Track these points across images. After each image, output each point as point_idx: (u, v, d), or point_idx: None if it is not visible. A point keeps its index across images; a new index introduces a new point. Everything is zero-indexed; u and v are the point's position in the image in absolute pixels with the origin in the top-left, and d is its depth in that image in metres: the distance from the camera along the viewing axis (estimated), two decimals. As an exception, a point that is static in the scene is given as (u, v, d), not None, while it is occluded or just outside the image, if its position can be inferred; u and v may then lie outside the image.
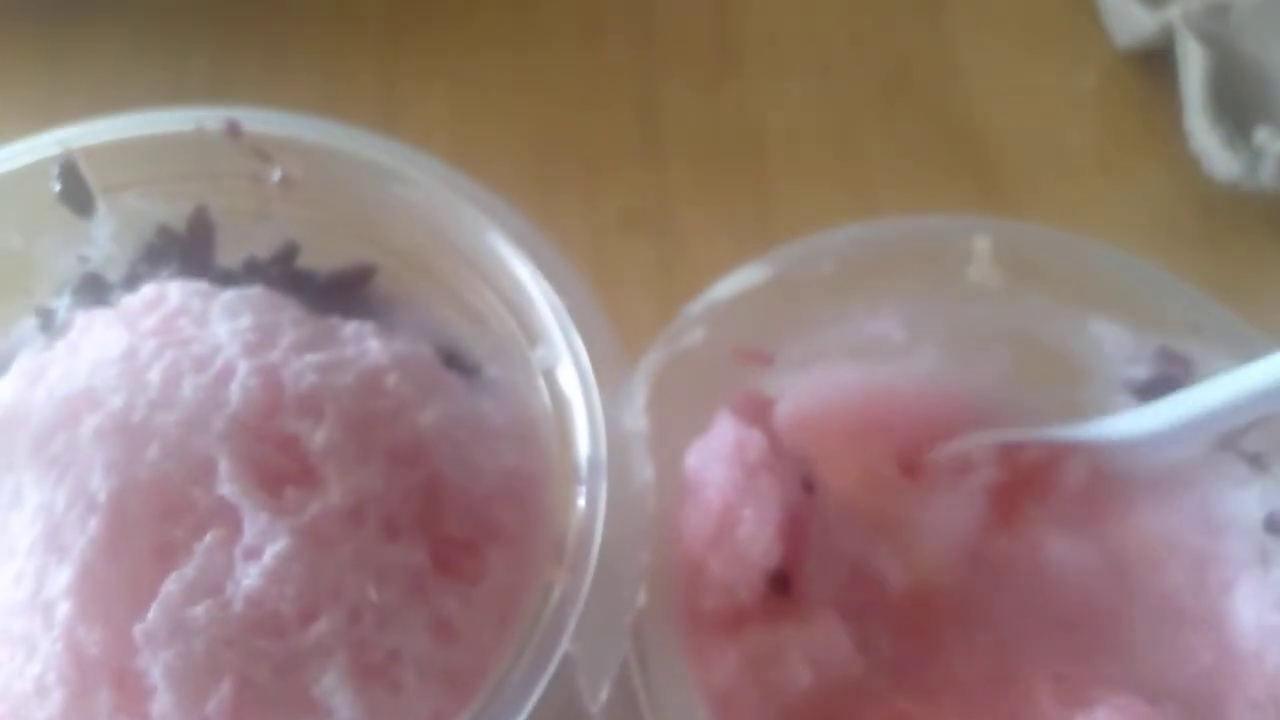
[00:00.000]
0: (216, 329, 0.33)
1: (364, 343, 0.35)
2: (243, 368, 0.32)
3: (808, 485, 0.40)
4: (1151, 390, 0.41)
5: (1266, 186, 0.59)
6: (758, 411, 0.39)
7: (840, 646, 0.33)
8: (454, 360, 0.40)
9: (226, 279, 0.39)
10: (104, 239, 0.40)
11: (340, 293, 0.41)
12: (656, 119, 0.65)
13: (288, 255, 0.41)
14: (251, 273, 0.41)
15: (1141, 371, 0.41)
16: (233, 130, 0.39)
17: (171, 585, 0.29)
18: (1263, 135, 0.59)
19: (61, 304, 0.40)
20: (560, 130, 0.63)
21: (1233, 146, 0.60)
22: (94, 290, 0.40)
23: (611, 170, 0.62)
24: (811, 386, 0.43)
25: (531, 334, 0.37)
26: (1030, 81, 0.68)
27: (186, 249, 0.40)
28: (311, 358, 0.33)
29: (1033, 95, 0.67)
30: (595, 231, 0.60)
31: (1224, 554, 0.39)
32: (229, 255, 0.41)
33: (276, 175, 0.40)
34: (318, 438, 0.31)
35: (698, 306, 0.40)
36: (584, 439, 0.34)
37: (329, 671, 0.30)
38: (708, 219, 0.61)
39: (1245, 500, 0.40)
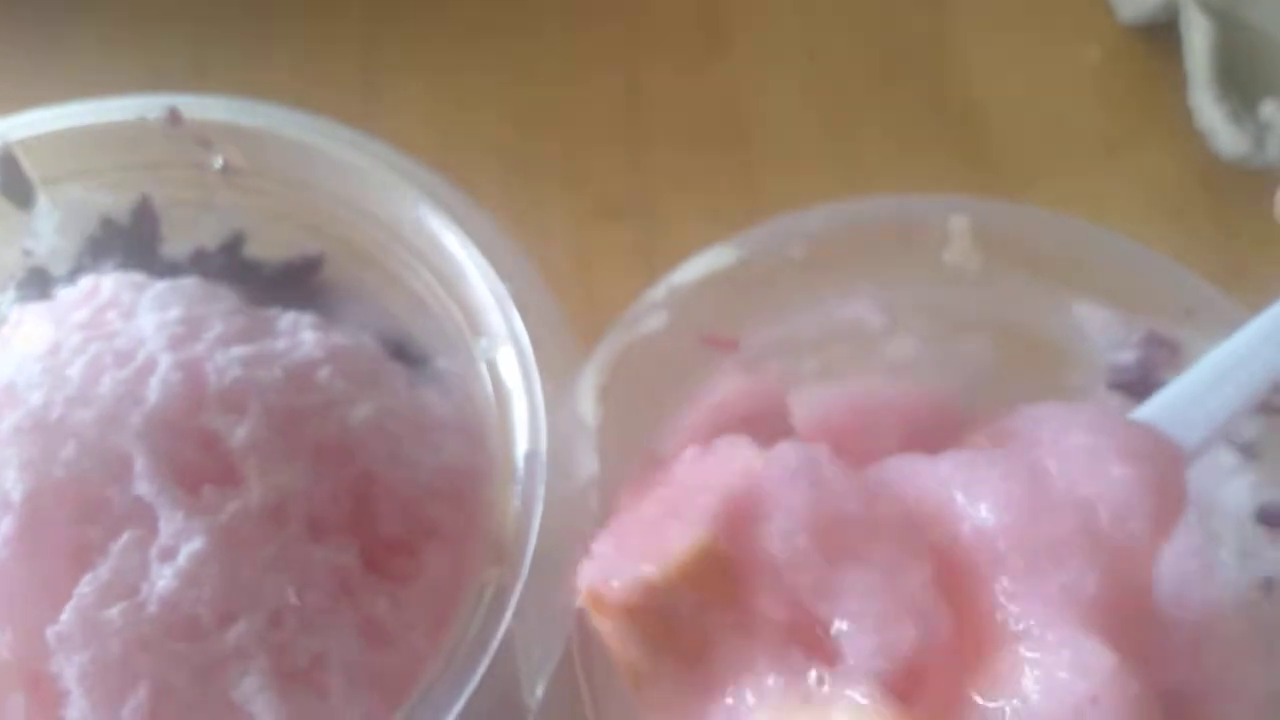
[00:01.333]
0: (143, 322, 0.32)
1: (299, 335, 0.34)
2: (164, 362, 0.30)
3: None
4: (1138, 377, 0.39)
5: (1274, 163, 0.56)
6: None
7: None
8: (401, 351, 0.39)
9: (173, 270, 0.39)
10: (48, 232, 0.39)
11: (288, 283, 0.40)
12: (640, 104, 0.63)
13: (234, 245, 0.40)
14: (199, 263, 0.40)
15: (1128, 357, 0.39)
16: (173, 118, 0.38)
17: (85, 587, 0.28)
18: (1269, 109, 0.56)
19: (6, 299, 0.39)
20: (542, 116, 0.62)
21: (1239, 121, 0.57)
22: (39, 284, 0.39)
23: (594, 156, 0.61)
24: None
25: (475, 323, 0.35)
26: (1030, 59, 0.65)
27: (131, 240, 0.39)
28: (238, 351, 0.31)
29: (1033, 73, 0.65)
30: (576, 218, 0.59)
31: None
32: (176, 246, 0.40)
33: (219, 163, 0.38)
34: (239, 434, 0.30)
35: (659, 290, 0.38)
36: (523, 432, 0.32)
37: (249, 676, 0.29)
38: (691, 205, 0.60)
39: (1236, 490, 0.38)
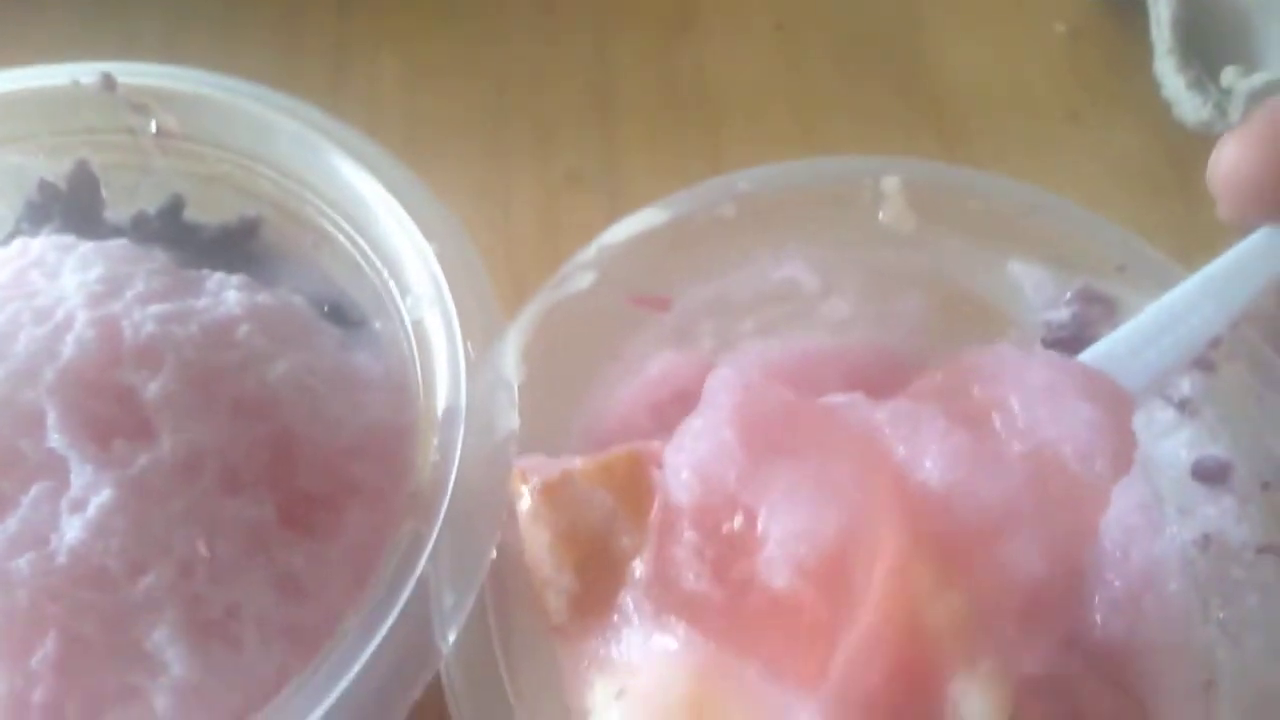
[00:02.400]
0: (65, 281, 0.32)
1: (222, 294, 0.34)
2: (81, 319, 0.31)
3: None
4: (1073, 333, 0.39)
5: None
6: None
7: None
8: (338, 314, 0.39)
9: (116, 235, 0.39)
10: (-14, 198, 0.39)
11: (227, 246, 0.40)
12: (609, 74, 0.63)
13: (174, 209, 0.40)
14: (139, 228, 0.40)
15: (1063, 314, 0.39)
16: (107, 83, 0.38)
17: (-6, 538, 0.28)
18: (1230, 74, 0.56)
19: (-55, 264, 0.39)
20: (512, 87, 0.62)
21: (1201, 89, 0.57)
22: (-23, 250, 0.39)
23: (562, 126, 0.61)
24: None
25: (402, 282, 0.35)
26: (998, 31, 0.65)
27: (69, 205, 0.39)
28: (156, 308, 0.31)
29: (1001, 45, 0.65)
30: (545, 187, 0.59)
31: None
32: (118, 211, 0.40)
33: (153, 127, 0.38)
34: (153, 389, 0.30)
35: (589, 251, 0.38)
36: (444, 388, 0.32)
37: (160, 626, 0.29)
38: (658, 178, 0.59)
39: (1173, 447, 0.38)
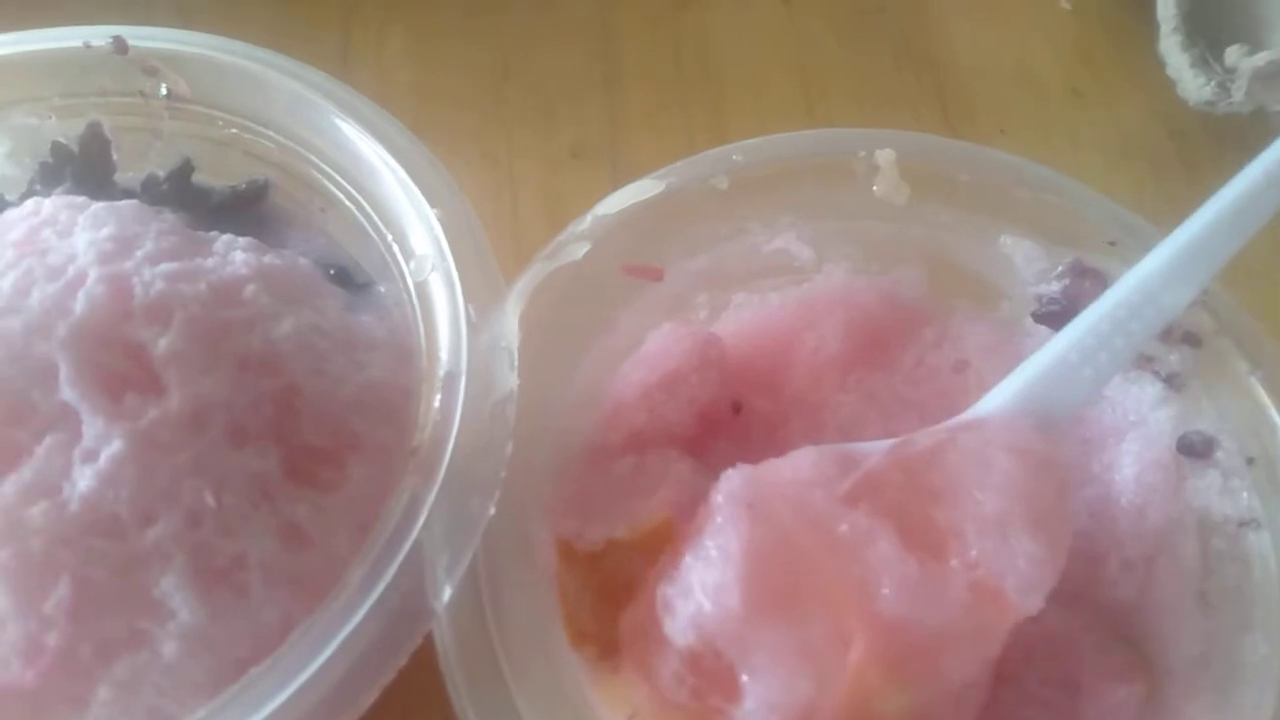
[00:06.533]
0: (77, 239, 0.33)
1: (230, 255, 0.35)
2: (92, 275, 0.32)
3: (735, 406, 0.39)
4: (1064, 307, 0.39)
5: (1239, 109, 0.56)
6: (707, 349, 0.39)
7: None
8: (344, 277, 0.40)
9: (125, 197, 0.39)
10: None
11: (236, 209, 0.41)
12: (614, 50, 0.64)
13: (184, 172, 0.41)
14: (149, 190, 0.41)
15: (1054, 287, 0.40)
16: (119, 47, 0.39)
17: (8, 487, 0.29)
18: (1234, 53, 0.56)
19: (-42, 224, 0.40)
20: (517, 63, 0.63)
21: (1205, 67, 0.57)
22: (-8, 211, 0.40)
23: (568, 99, 0.61)
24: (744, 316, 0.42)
25: (405, 247, 0.36)
26: (1002, 8, 0.65)
27: (81, 166, 0.40)
28: (165, 267, 0.32)
29: (1005, 20, 0.65)
30: (550, 160, 0.59)
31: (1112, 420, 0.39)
32: (128, 174, 0.41)
33: (164, 90, 0.39)
34: (162, 345, 0.31)
35: (584, 221, 0.39)
36: (445, 351, 0.33)
37: (168, 574, 0.30)
38: (661, 150, 0.60)
39: (1160, 420, 0.38)
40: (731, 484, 0.33)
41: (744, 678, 0.31)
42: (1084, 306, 0.38)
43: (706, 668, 0.32)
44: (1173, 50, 0.58)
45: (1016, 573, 0.31)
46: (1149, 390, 0.39)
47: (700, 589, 0.31)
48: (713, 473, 0.36)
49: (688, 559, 0.32)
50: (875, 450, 0.35)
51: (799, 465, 0.34)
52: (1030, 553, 0.31)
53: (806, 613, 0.31)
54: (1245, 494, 0.37)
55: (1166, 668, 0.36)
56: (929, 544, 0.32)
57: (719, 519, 0.32)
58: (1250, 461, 0.37)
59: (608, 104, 0.61)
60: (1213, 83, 0.57)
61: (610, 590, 0.35)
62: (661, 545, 0.34)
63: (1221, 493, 0.38)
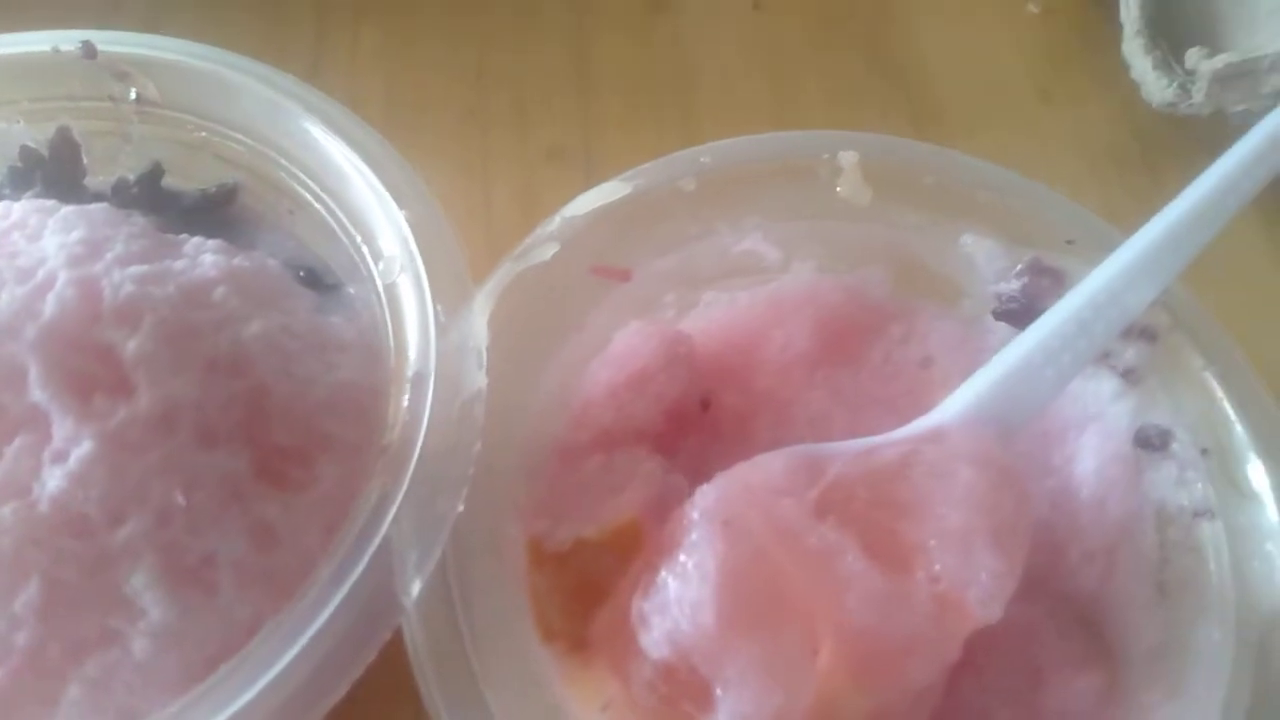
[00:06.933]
0: (46, 243, 0.33)
1: (199, 257, 0.35)
2: (62, 278, 0.32)
3: (704, 403, 0.40)
4: (1023, 305, 0.40)
5: (1199, 110, 0.57)
6: (674, 346, 0.39)
7: None
8: (315, 279, 0.40)
9: (96, 201, 0.40)
10: (-33, 163, 0.40)
11: (206, 212, 0.41)
12: (588, 55, 0.64)
13: (154, 176, 0.41)
14: (120, 194, 0.41)
15: (1013, 285, 0.41)
16: (88, 51, 0.39)
17: (-23, 488, 0.30)
18: (1194, 55, 0.57)
19: (-71, 228, 0.40)
20: (491, 65, 0.63)
21: (1167, 69, 0.58)
22: (-39, 215, 0.40)
23: (541, 103, 0.62)
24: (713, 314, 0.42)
25: (374, 248, 0.37)
26: (970, 12, 0.66)
27: (51, 170, 0.40)
28: (135, 270, 0.33)
29: (973, 23, 0.66)
30: (525, 163, 0.60)
31: (1071, 413, 0.39)
32: (98, 178, 0.41)
33: (133, 94, 0.40)
34: (131, 347, 0.31)
35: (552, 223, 0.39)
36: (414, 352, 0.34)
37: (138, 573, 0.30)
38: (634, 153, 0.60)
39: (1117, 414, 0.39)
40: (707, 500, 0.33)
41: (717, 691, 0.32)
42: (1042, 304, 0.39)
43: (680, 679, 0.32)
44: (1136, 53, 0.59)
45: (978, 585, 0.32)
46: (1106, 384, 0.40)
47: (677, 606, 0.32)
48: (682, 471, 0.37)
49: (663, 575, 0.33)
50: (844, 452, 0.35)
51: (770, 472, 0.34)
52: (991, 566, 0.32)
53: (778, 626, 0.32)
54: (1200, 485, 0.38)
55: (1126, 657, 0.36)
56: (894, 557, 0.33)
57: (694, 535, 0.33)
58: (1204, 453, 0.38)
59: (582, 106, 0.62)
60: (1174, 85, 0.58)
61: (579, 589, 0.35)
62: (629, 545, 0.35)
63: (1177, 484, 0.38)
